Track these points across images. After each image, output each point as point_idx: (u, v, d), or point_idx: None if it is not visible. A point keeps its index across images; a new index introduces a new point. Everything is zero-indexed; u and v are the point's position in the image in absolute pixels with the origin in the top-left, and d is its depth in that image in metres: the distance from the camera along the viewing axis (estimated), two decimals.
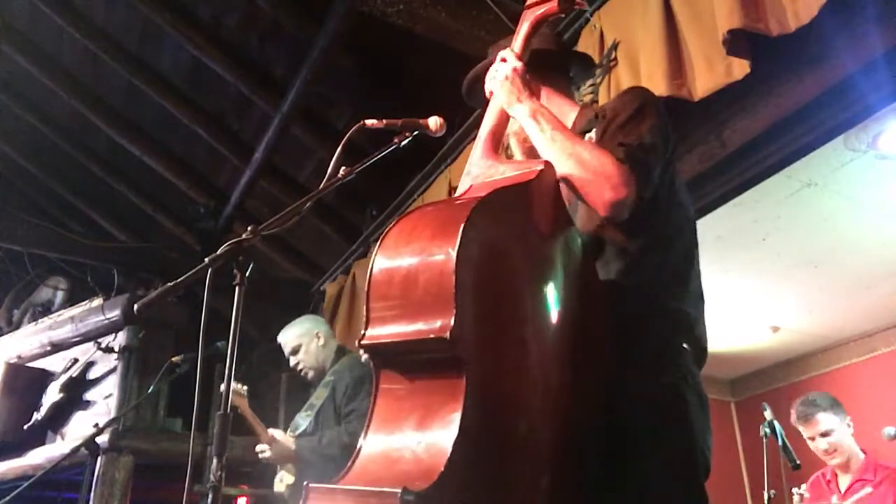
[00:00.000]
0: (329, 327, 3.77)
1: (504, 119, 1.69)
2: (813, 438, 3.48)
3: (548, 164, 1.47)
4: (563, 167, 1.49)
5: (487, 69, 1.80)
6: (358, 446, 1.20)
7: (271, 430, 3.20)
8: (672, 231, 1.63)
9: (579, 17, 3.03)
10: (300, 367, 3.51)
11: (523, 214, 1.39)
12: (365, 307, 1.25)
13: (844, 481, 3.45)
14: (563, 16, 1.78)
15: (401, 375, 1.23)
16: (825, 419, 3.44)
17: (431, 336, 1.15)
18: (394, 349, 1.22)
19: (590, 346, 1.43)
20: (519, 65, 1.68)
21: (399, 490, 1.03)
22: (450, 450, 1.09)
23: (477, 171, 1.52)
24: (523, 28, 1.76)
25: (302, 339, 3.53)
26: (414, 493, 1.03)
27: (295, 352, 3.52)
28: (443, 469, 1.08)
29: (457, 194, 1.49)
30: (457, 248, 1.17)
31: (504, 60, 1.71)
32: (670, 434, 1.43)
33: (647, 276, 1.55)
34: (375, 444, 1.19)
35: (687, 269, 1.61)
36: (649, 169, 1.50)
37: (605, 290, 1.51)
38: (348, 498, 1.12)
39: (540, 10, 1.74)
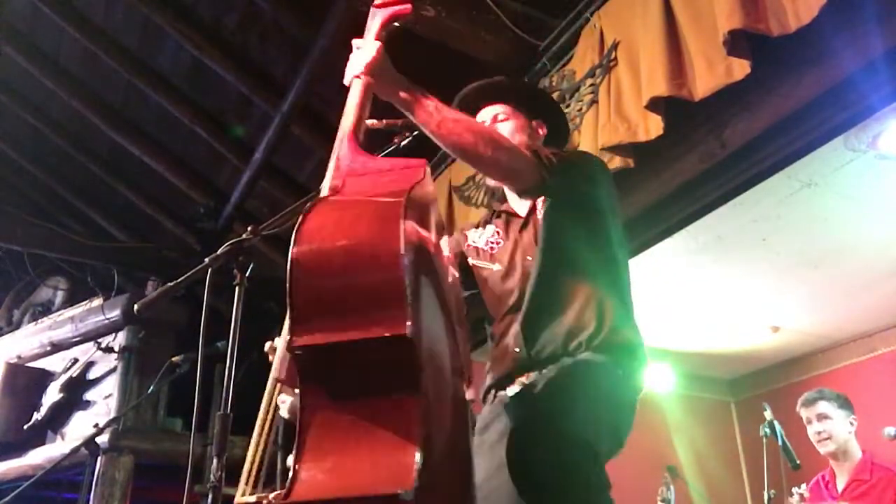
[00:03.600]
0: None
1: (365, 110, 1.62)
2: (810, 422, 3.51)
3: (424, 162, 1.43)
4: (450, 135, 1.57)
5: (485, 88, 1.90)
6: (293, 465, 1.09)
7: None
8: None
9: (579, 17, 3.03)
10: None
11: (424, 211, 1.35)
12: (289, 309, 1.12)
13: (841, 482, 3.46)
14: (410, 19, 1.73)
15: (342, 380, 1.12)
16: (826, 406, 3.49)
17: (387, 334, 1.08)
18: (337, 351, 1.11)
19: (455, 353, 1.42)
20: (378, 45, 1.62)
21: (400, 491, 0.99)
22: (419, 451, 1.05)
23: (353, 165, 1.42)
24: (374, 26, 1.70)
25: None
26: (411, 493, 0.99)
27: None
28: (418, 464, 1.03)
29: (327, 190, 1.38)
30: (401, 242, 1.12)
31: (359, 47, 1.65)
32: None
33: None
34: (321, 456, 1.08)
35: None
36: (551, 164, 1.69)
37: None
38: None
39: (390, 10, 1.70)
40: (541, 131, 1.93)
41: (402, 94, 1.62)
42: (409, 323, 1.08)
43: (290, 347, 1.11)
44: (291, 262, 1.13)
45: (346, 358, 1.12)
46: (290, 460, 3.33)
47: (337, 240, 1.17)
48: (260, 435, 1.68)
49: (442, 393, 1.28)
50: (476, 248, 1.94)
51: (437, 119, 1.60)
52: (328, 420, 1.10)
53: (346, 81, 1.65)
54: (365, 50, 1.62)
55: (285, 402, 3.24)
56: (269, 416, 1.64)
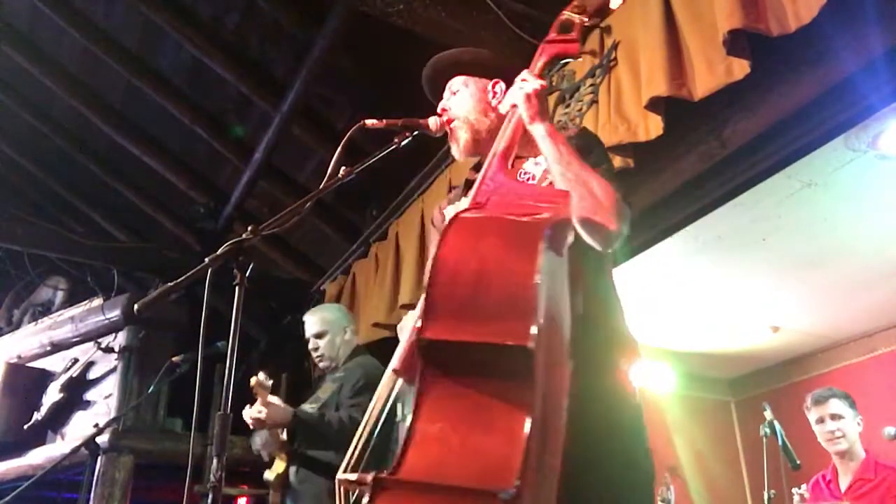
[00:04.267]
0: (354, 325, 3.73)
1: (518, 138, 1.72)
2: (822, 420, 3.50)
3: (567, 194, 1.55)
4: (574, 190, 1.58)
5: (450, 61, 1.91)
6: (406, 436, 1.19)
7: (270, 397, 3.16)
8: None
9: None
10: (318, 352, 3.46)
11: (561, 239, 1.46)
12: (424, 302, 1.24)
13: (845, 481, 3.45)
14: (577, 58, 1.90)
15: (460, 373, 1.22)
16: (838, 404, 3.50)
17: (510, 343, 1.17)
18: (462, 350, 1.22)
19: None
20: (542, 83, 1.73)
21: (499, 490, 1.06)
22: (524, 448, 1.13)
23: (493, 185, 1.55)
24: (540, 61, 1.82)
25: (331, 326, 3.47)
26: (510, 493, 1.06)
27: (319, 336, 3.46)
28: (521, 467, 1.10)
29: (470, 202, 1.50)
30: (538, 260, 1.23)
31: (525, 80, 1.75)
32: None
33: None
34: (430, 442, 1.19)
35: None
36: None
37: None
38: (438, 496, 1.12)
39: (558, 48, 1.81)
40: (498, 89, 1.92)
41: (547, 131, 1.69)
42: (533, 333, 1.17)
43: (417, 337, 1.20)
44: (434, 261, 1.25)
45: (468, 356, 1.22)
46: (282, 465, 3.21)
47: (472, 251, 1.28)
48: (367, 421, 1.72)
49: (559, 384, 1.37)
50: None
51: (567, 160, 1.65)
52: (442, 409, 1.20)
53: (502, 109, 1.79)
54: (529, 84, 1.72)
55: (261, 436, 3.23)
56: (382, 404, 1.66)
